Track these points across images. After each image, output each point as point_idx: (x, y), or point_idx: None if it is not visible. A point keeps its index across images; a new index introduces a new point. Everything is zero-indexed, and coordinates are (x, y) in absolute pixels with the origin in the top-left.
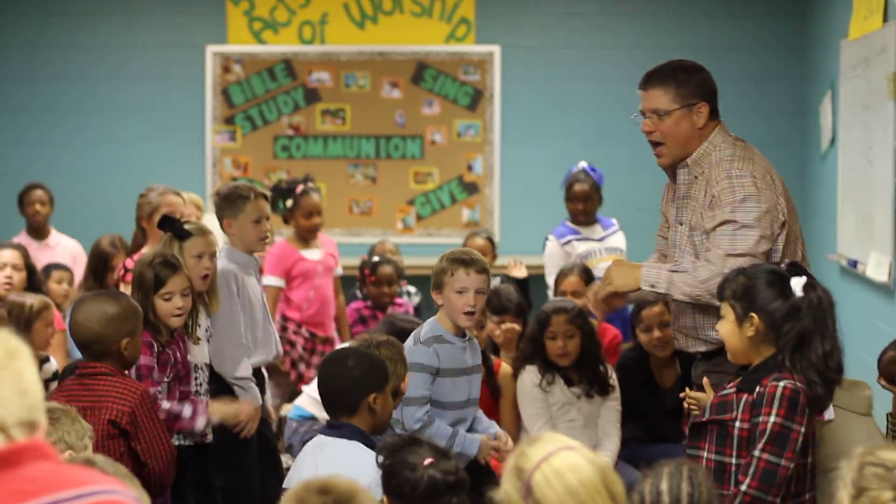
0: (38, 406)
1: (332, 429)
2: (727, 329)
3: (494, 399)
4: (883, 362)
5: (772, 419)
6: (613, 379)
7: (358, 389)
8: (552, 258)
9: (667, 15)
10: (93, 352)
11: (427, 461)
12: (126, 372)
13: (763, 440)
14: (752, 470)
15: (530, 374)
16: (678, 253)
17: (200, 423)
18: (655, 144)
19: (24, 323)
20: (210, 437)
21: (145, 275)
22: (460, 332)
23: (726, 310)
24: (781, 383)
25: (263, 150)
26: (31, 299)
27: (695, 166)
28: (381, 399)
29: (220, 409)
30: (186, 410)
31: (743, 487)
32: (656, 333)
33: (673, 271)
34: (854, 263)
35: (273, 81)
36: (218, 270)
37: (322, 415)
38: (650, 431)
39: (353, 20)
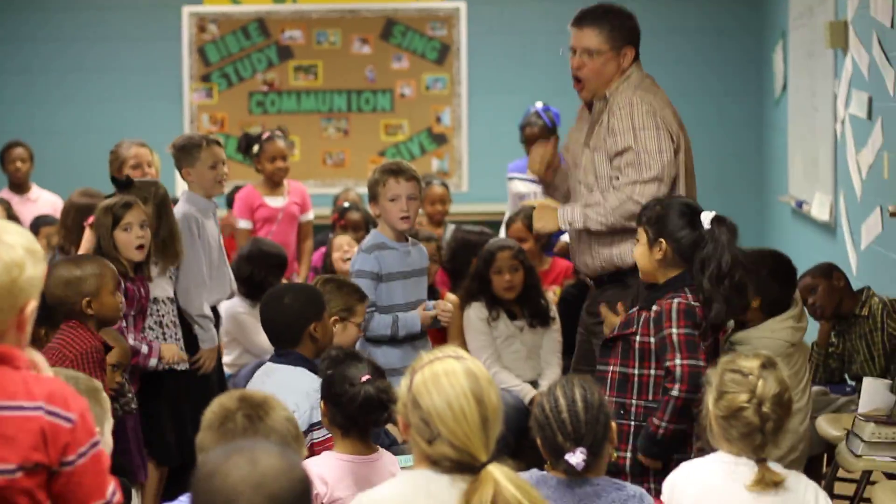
0: None
1: (279, 356)
2: (640, 251)
3: (442, 332)
4: (799, 289)
5: (674, 331)
6: (554, 311)
7: (298, 322)
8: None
9: None
10: (59, 313)
11: (364, 377)
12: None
13: (675, 350)
14: (677, 376)
15: (476, 310)
16: (581, 173)
17: (153, 363)
18: (578, 80)
19: None
20: (185, 366)
21: (103, 216)
22: (401, 238)
23: (640, 234)
24: (675, 300)
25: (239, 106)
26: None
27: (610, 98)
28: (321, 327)
29: (168, 352)
30: (144, 348)
31: (674, 393)
32: None
33: (586, 206)
34: (801, 204)
35: (247, 40)
36: (180, 214)
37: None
38: None
39: None
